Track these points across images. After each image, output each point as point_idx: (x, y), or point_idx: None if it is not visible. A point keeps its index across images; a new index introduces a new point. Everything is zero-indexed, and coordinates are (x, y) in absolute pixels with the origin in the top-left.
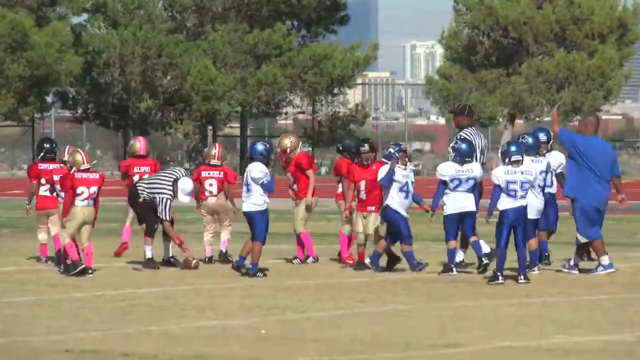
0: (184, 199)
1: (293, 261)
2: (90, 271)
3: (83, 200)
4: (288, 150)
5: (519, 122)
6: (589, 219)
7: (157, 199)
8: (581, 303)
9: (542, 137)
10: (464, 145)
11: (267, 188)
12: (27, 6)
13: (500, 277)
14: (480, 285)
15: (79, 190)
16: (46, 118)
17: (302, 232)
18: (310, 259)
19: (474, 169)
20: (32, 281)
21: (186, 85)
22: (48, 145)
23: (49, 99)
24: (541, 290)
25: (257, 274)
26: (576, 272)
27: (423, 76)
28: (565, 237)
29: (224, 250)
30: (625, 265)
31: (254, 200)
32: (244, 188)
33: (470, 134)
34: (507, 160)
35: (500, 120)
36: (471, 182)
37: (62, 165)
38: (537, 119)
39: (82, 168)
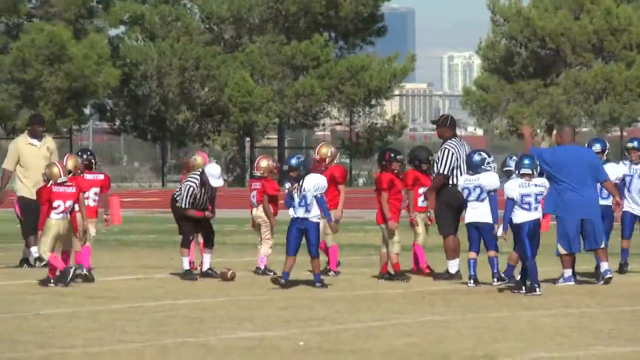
0: (216, 182)
1: (328, 274)
2: (83, 270)
3: (59, 213)
4: (327, 160)
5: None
6: (566, 232)
7: (182, 189)
8: (620, 314)
9: (597, 147)
10: (527, 161)
11: (320, 203)
12: (65, 18)
13: (537, 289)
14: (518, 296)
15: (55, 204)
16: (84, 130)
17: (332, 246)
18: (332, 273)
19: (544, 182)
20: (70, 293)
21: (224, 97)
22: (85, 157)
23: (87, 111)
24: (579, 300)
25: (316, 284)
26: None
27: (460, 87)
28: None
29: (262, 268)
30: None
31: (316, 212)
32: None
33: (455, 145)
34: (517, 172)
35: (538, 131)
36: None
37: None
38: (575, 129)
39: (59, 181)
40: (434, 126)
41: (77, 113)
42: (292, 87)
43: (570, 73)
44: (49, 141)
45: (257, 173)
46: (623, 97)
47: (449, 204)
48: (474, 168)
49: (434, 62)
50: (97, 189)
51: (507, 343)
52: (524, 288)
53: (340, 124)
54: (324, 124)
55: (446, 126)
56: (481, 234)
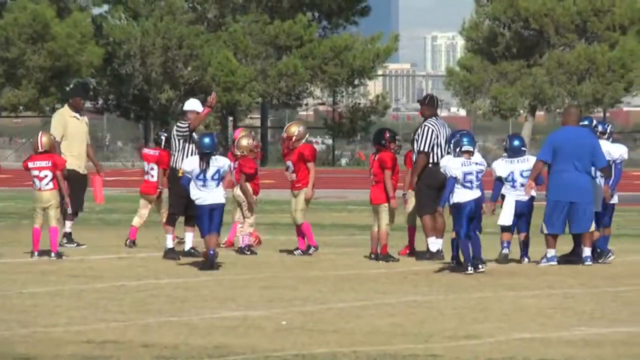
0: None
1: (294, 252)
2: (52, 255)
3: (38, 184)
4: (294, 139)
5: (539, 113)
6: (552, 212)
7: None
8: (602, 294)
9: (600, 128)
10: (516, 142)
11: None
12: None
13: (470, 268)
14: (501, 276)
15: (33, 174)
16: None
17: (303, 223)
18: (312, 249)
19: (530, 159)
20: (53, 271)
21: (207, 76)
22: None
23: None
24: (562, 281)
25: (214, 262)
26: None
27: (444, 68)
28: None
29: (243, 246)
30: None
31: (222, 192)
32: (214, 183)
33: (435, 124)
34: (458, 150)
35: (521, 112)
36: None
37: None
38: (558, 110)
39: (38, 152)
40: (417, 106)
41: (60, 92)
42: (275, 66)
43: (553, 54)
44: (84, 114)
45: (237, 152)
46: (606, 78)
47: (430, 185)
48: (515, 152)
49: (418, 42)
50: (46, 172)
51: (490, 323)
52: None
53: (323, 104)
54: (306, 104)
55: (426, 104)
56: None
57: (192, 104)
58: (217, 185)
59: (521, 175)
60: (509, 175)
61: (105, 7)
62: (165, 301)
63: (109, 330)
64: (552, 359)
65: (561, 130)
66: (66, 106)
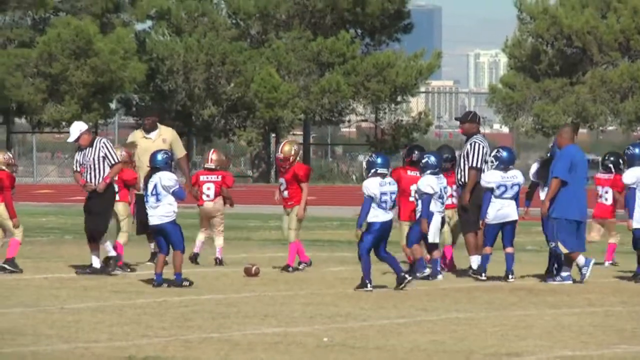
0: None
1: (299, 266)
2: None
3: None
4: (291, 159)
5: (582, 131)
6: (571, 231)
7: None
8: None
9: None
10: (505, 153)
11: (180, 196)
12: (91, 13)
13: (369, 285)
14: (542, 294)
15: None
16: (110, 124)
17: (294, 241)
18: (303, 265)
19: (518, 175)
20: (95, 287)
21: (249, 93)
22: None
23: (113, 105)
24: (603, 299)
25: (184, 283)
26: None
27: (486, 85)
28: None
29: (219, 258)
30: None
31: (163, 211)
32: (153, 198)
33: (483, 140)
34: (373, 171)
35: None
36: (516, 189)
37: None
38: (601, 128)
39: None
40: (459, 123)
41: (102, 107)
42: (317, 83)
43: (596, 71)
44: (165, 132)
45: (211, 165)
46: None
47: (475, 202)
48: (506, 165)
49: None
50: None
51: (531, 341)
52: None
53: (365, 120)
54: (349, 121)
55: (474, 122)
56: (503, 230)
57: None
58: (157, 200)
59: (443, 191)
60: (440, 191)
61: (149, 23)
62: (207, 317)
63: (151, 346)
64: None
65: (573, 149)
66: (141, 128)
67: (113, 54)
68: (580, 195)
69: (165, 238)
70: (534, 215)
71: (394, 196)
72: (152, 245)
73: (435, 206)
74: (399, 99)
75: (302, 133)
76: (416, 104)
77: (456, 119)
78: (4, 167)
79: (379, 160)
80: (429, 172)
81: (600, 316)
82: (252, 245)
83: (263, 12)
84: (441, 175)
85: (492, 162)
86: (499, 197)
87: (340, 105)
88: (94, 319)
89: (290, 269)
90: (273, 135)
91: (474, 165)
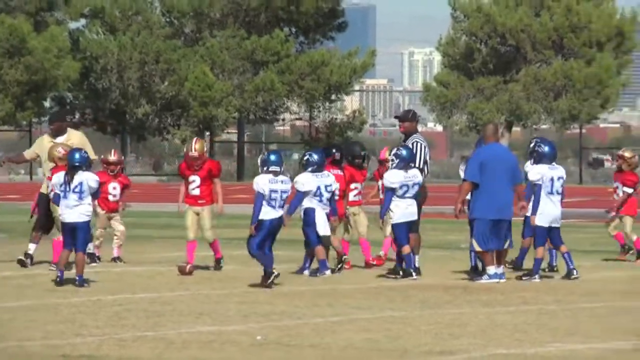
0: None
1: (220, 265)
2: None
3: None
4: (204, 156)
5: (516, 129)
6: (486, 230)
7: None
8: (578, 311)
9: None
10: (404, 152)
11: (97, 196)
12: (25, 11)
13: (274, 272)
14: (476, 292)
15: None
16: (43, 123)
17: (215, 240)
18: (190, 266)
19: (417, 174)
20: (30, 286)
21: (184, 91)
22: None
23: (47, 103)
24: (538, 297)
25: (85, 284)
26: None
27: (420, 83)
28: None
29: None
30: (621, 273)
31: (84, 209)
32: (75, 196)
33: (423, 141)
34: (266, 169)
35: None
36: (416, 188)
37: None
38: (535, 126)
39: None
40: (394, 122)
41: (37, 106)
42: (252, 81)
43: (530, 70)
44: (74, 136)
45: (195, 154)
46: (583, 94)
47: (419, 202)
48: (407, 163)
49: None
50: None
51: (465, 339)
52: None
53: (300, 119)
54: (283, 119)
55: (414, 120)
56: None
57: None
58: (80, 198)
59: (326, 189)
60: (317, 189)
61: (83, 21)
62: (141, 316)
63: (85, 344)
64: None
65: (484, 149)
66: (47, 133)
67: (47, 53)
68: (496, 194)
69: (74, 236)
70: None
71: (285, 195)
72: (32, 247)
73: (312, 202)
74: (333, 97)
75: (236, 131)
76: (350, 102)
77: (396, 117)
78: None
79: (272, 158)
80: (309, 169)
81: (535, 314)
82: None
83: (197, 10)
84: (325, 173)
85: (392, 160)
86: (402, 196)
87: (274, 103)
88: (28, 317)
89: (221, 263)
90: (207, 133)
91: (417, 165)
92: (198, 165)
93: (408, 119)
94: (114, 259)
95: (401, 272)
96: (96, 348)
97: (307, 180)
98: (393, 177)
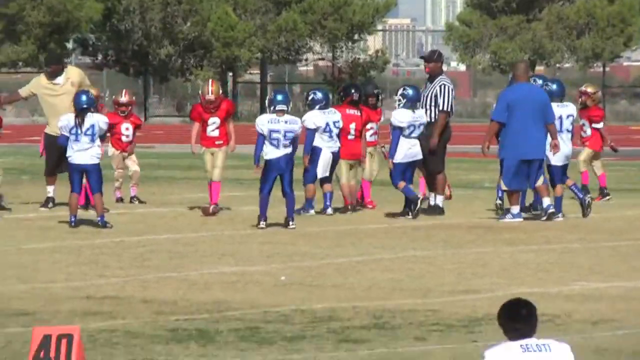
0: None
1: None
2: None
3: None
4: (220, 96)
5: (539, 68)
6: (514, 170)
7: None
8: (601, 249)
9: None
10: (411, 91)
11: (105, 138)
12: None
13: (262, 222)
14: (500, 231)
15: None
16: (66, 65)
17: (219, 181)
18: (213, 207)
19: (423, 115)
20: (53, 228)
21: (206, 32)
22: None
23: (69, 45)
24: (561, 236)
25: (107, 225)
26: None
27: (443, 23)
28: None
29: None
30: None
31: (95, 152)
32: (87, 138)
33: (450, 83)
34: (272, 108)
35: None
36: (422, 128)
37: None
38: (558, 65)
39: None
40: (418, 61)
41: (59, 48)
42: (274, 22)
43: (553, 8)
44: (72, 73)
45: (211, 97)
46: (606, 32)
47: (444, 142)
48: (413, 102)
49: None
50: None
51: (488, 278)
52: (560, 215)
53: (322, 59)
54: (306, 59)
55: (440, 61)
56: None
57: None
58: (92, 140)
59: (335, 125)
60: (326, 126)
61: None
62: (164, 257)
63: (108, 286)
64: (551, 314)
65: (514, 89)
66: (43, 74)
67: None
68: (526, 134)
69: (87, 179)
70: (492, 152)
71: (289, 134)
72: (51, 189)
73: (322, 141)
74: (356, 37)
75: (259, 72)
76: (373, 42)
77: (421, 57)
78: None
79: (278, 97)
80: (317, 107)
81: (558, 253)
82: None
83: None
84: (332, 110)
85: (399, 100)
86: (408, 136)
87: (297, 43)
88: (51, 259)
89: (217, 207)
90: (230, 74)
91: (445, 108)
92: (215, 107)
93: (433, 59)
94: (132, 199)
95: (410, 210)
96: (120, 289)
97: (315, 118)
98: (402, 117)
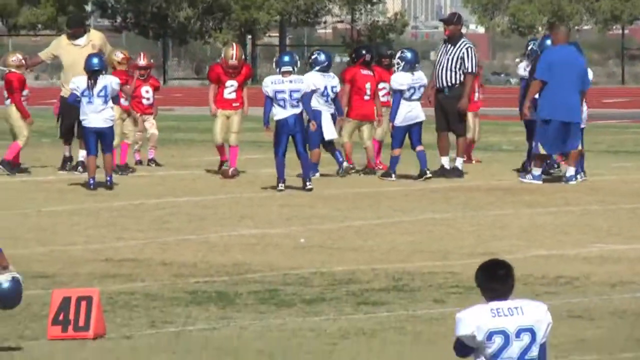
0: None
1: (230, 171)
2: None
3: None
4: (243, 61)
5: None
6: (553, 132)
7: None
8: (619, 212)
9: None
10: (409, 54)
11: (116, 100)
12: None
13: (281, 184)
14: (519, 193)
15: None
16: (88, 28)
17: (237, 145)
18: (232, 170)
19: (423, 77)
20: (71, 190)
21: None
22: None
23: (88, 8)
24: (579, 198)
25: (113, 185)
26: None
27: None
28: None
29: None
30: None
31: (108, 114)
32: (100, 100)
33: (474, 46)
34: (278, 70)
35: (540, 29)
36: (422, 90)
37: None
38: (577, 27)
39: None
40: (437, 24)
41: (78, 10)
42: None
43: None
44: (94, 36)
45: (234, 62)
46: None
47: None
48: (412, 65)
49: None
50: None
51: (508, 241)
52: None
53: (341, 21)
54: (325, 22)
55: (460, 24)
56: (411, 131)
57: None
58: (105, 102)
59: (332, 90)
60: (324, 90)
61: None
62: (184, 219)
63: (127, 248)
64: (569, 276)
65: (554, 50)
66: (64, 35)
67: None
68: (565, 96)
69: (102, 141)
70: (514, 115)
71: (295, 94)
72: (67, 150)
73: (319, 104)
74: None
75: (278, 35)
76: (392, 4)
77: (441, 20)
78: (13, 69)
79: (284, 59)
80: (317, 68)
81: (576, 215)
82: (227, 148)
83: None
84: (330, 74)
85: (397, 63)
86: (408, 99)
87: (316, 6)
88: (70, 221)
89: (233, 169)
90: (249, 37)
91: (472, 70)
92: (236, 72)
93: (453, 22)
94: (149, 162)
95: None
96: (139, 252)
97: (315, 79)
98: (401, 79)
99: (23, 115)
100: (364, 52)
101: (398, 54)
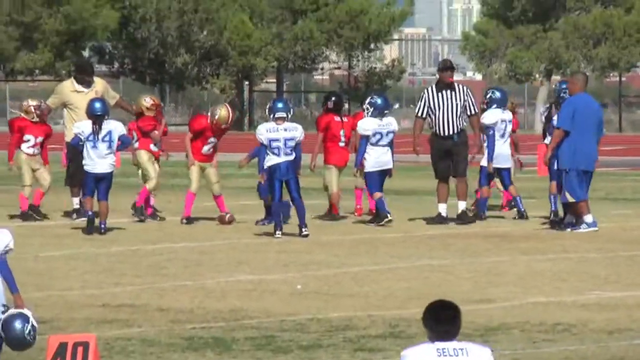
0: None
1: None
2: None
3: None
4: (224, 126)
5: (555, 78)
6: (579, 181)
7: None
8: (617, 259)
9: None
10: (379, 100)
11: (128, 142)
12: None
13: (278, 232)
14: (516, 240)
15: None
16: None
17: (221, 195)
18: (229, 216)
19: (392, 122)
20: (69, 235)
21: (222, 40)
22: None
23: (86, 53)
24: (577, 245)
25: (104, 232)
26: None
27: (460, 32)
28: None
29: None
30: None
31: (112, 160)
32: (104, 145)
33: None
34: (272, 116)
35: (537, 76)
36: (391, 136)
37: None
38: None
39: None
40: (433, 71)
41: (76, 55)
42: (291, 30)
43: (569, 18)
44: (98, 84)
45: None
46: (622, 42)
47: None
48: (382, 111)
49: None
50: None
51: (505, 287)
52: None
53: (339, 68)
54: (322, 68)
55: (453, 70)
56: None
57: None
58: (109, 147)
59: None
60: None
61: None
62: (180, 265)
63: (125, 293)
64: (566, 323)
65: (576, 98)
66: (71, 79)
67: (86, 2)
68: (585, 145)
69: (100, 186)
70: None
71: (290, 142)
72: (76, 200)
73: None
74: (372, 46)
75: (275, 81)
76: (389, 51)
77: (449, 67)
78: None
79: (278, 105)
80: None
81: (574, 262)
82: (225, 194)
83: None
84: (292, 125)
85: (366, 109)
86: (375, 144)
87: (313, 52)
88: (67, 266)
89: (232, 216)
90: (246, 83)
91: (477, 111)
92: (223, 132)
93: (449, 68)
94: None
95: (376, 218)
96: (136, 297)
97: (369, 124)
98: (367, 125)
99: (10, 157)
100: (333, 98)
101: (368, 99)
